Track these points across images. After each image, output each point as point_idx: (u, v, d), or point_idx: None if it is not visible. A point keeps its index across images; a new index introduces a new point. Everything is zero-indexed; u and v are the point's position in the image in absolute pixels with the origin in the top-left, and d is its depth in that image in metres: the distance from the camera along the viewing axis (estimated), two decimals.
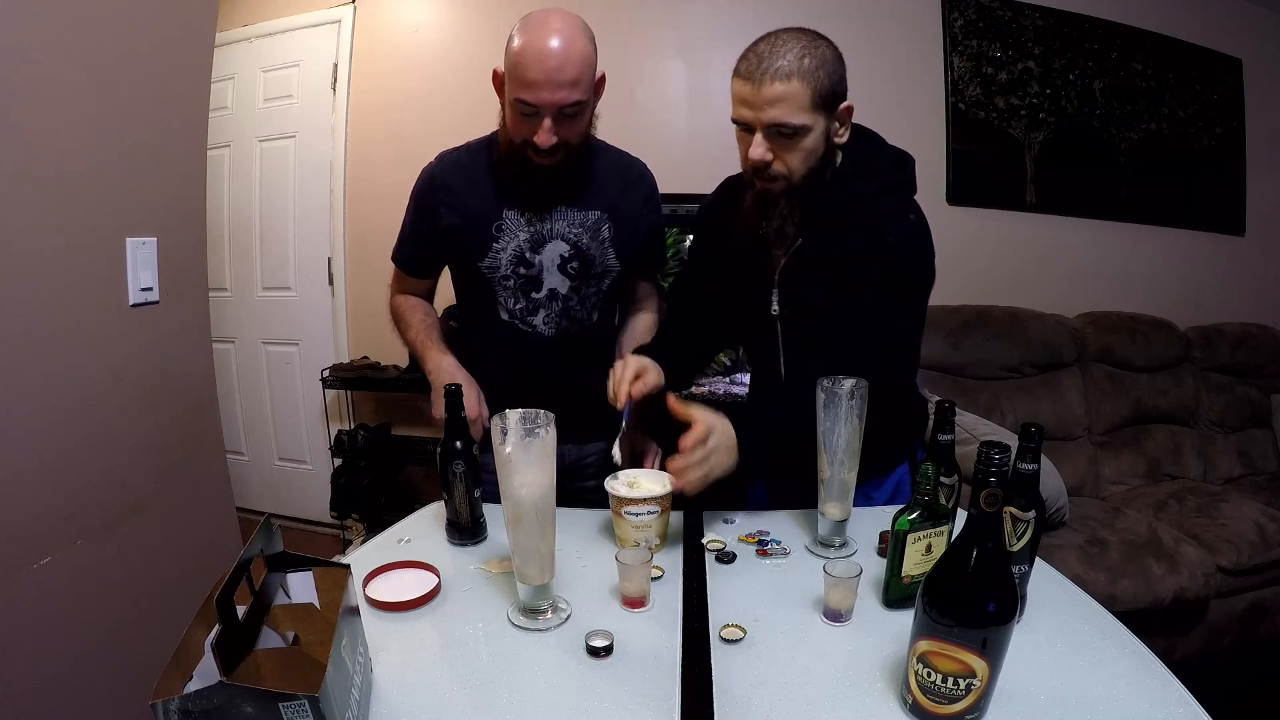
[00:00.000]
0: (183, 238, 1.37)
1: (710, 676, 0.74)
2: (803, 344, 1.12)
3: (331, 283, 2.99)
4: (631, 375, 1.09)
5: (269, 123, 2.96)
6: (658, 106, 2.65)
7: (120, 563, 1.24)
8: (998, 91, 2.68)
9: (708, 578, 0.96)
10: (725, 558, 1.02)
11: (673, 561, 1.00)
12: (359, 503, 2.84)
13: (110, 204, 1.21)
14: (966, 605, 0.64)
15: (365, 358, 2.92)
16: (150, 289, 1.29)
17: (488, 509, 1.09)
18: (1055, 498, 1.97)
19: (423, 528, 1.12)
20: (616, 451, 1.09)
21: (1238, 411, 2.66)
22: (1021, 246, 2.77)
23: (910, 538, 0.85)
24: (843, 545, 1.04)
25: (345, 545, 2.84)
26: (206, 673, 0.58)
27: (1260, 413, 2.68)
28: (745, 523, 1.14)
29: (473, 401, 1.17)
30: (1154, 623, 1.92)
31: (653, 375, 1.11)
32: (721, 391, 2.47)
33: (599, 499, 1.07)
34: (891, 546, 0.87)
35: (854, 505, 1.04)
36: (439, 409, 1.17)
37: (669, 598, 0.91)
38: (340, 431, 2.90)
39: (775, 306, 1.12)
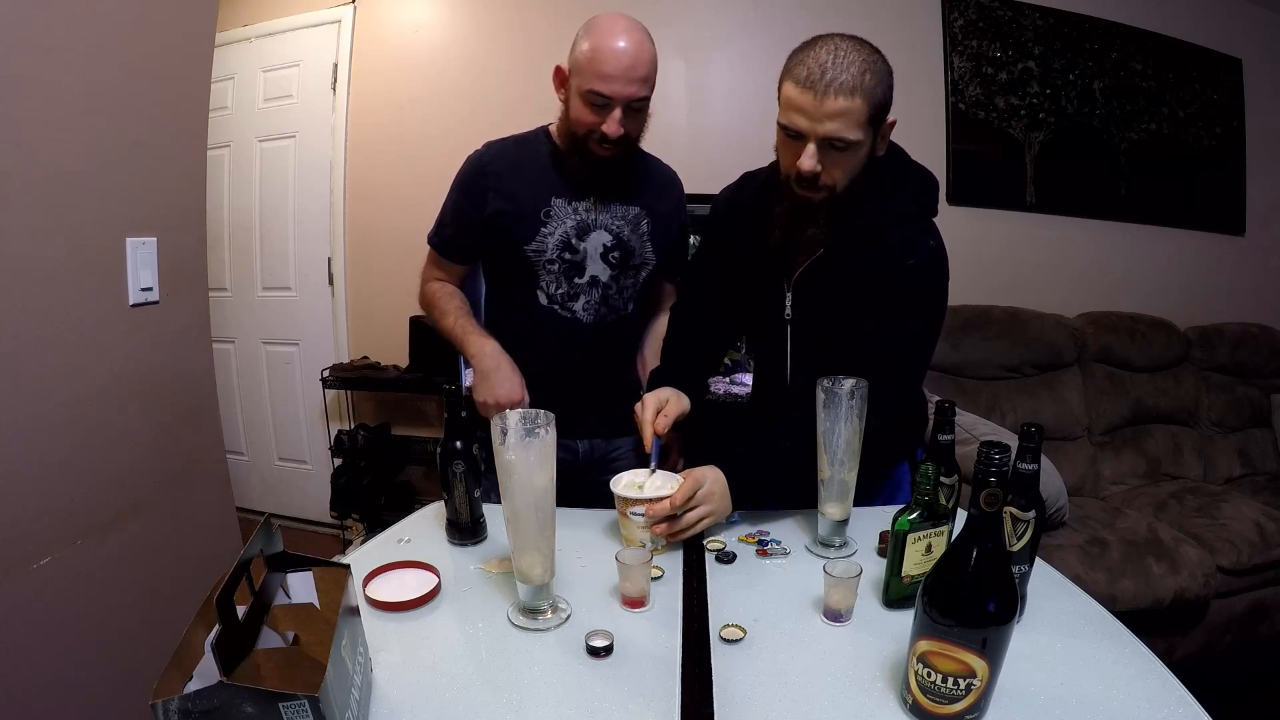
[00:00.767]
0: (183, 238, 1.37)
1: (710, 676, 0.74)
2: (811, 350, 1.13)
3: (331, 283, 2.99)
4: (653, 414, 1.11)
5: (269, 123, 2.96)
6: (658, 106, 2.63)
7: (120, 563, 1.24)
8: (998, 91, 2.68)
9: (708, 578, 0.96)
10: (725, 558, 1.02)
11: (673, 561, 1.00)
12: (359, 503, 2.84)
13: (110, 204, 1.21)
14: (966, 605, 0.64)
15: (365, 358, 2.92)
16: (150, 289, 1.29)
17: (488, 509, 1.09)
18: (1055, 498, 1.97)
19: (423, 528, 1.12)
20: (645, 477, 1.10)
21: (1238, 411, 2.66)
22: (1021, 246, 2.77)
23: (910, 538, 0.85)
24: (843, 545, 1.04)
25: (345, 545, 2.84)
26: (206, 673, 0.58)
27: (1260, 413, 2.68)
28: (745, 523, 1.14)
29: (516, 386, 1.20)
30: (1154, 623, 1.92)
31: (673, 404, 1.14)
32: (721, 391, 2.47)
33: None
34: (891, 546, 0.87)
35: (854, 505, 1.04)
36: (482, 392, 1.19)
37: (669, 598, 0.91)
38: (340, 431, 2.90)
39: (789, 311, 1.12)
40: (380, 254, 2.94)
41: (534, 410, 0.83)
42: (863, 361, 1.01)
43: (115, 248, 1.22)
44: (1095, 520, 2.13)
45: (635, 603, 0.89)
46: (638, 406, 1.14)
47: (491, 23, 2.78)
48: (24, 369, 1.07)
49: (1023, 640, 0.75)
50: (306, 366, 3.03)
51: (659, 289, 1.44)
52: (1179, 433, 2.61)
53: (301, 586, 0.73)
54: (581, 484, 1.20)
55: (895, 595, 0.88)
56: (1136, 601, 1.88)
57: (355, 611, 0.72)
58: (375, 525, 2.78)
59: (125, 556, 1.25)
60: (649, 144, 1.35)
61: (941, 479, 0.90)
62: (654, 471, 1.09)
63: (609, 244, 1.29)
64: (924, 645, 0.66)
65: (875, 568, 0.93)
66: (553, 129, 1.31)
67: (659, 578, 0.96)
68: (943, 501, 0.89)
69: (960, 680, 0.65)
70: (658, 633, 0.84)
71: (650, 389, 1.20)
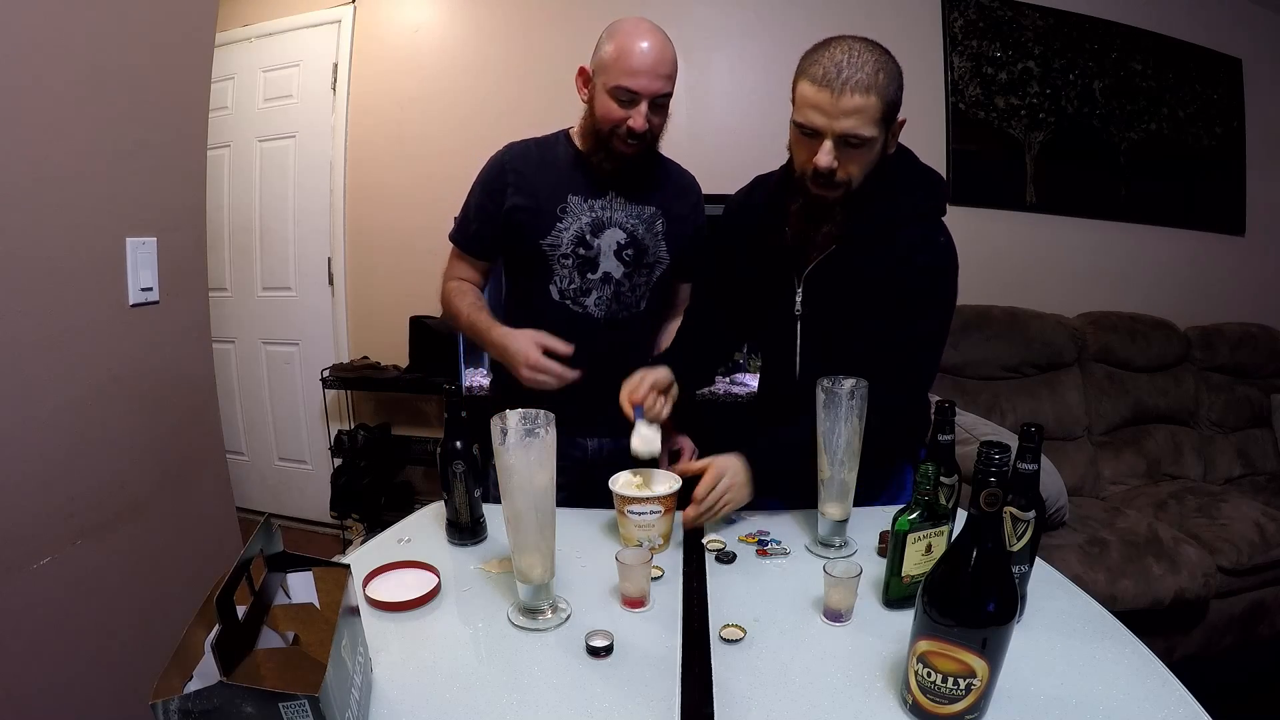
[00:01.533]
0: (183, 238, 1.37)
1: (710, 676, 0.74)
2: (821, 345, 1.15)
3: (331, 283, 2.99)
4: (636, 382, 1.16)
5: (269, 123, 2.96)
6: None
7: (120, 563, 1.24)
8: (998, 91, 2.68)
9: (708, 578, 0.96)
10: (725, 558, 1.02)
11: (673, 561, 1.01)
12: (359, 503, 2.83)
13: (110, 204, 1.21)
14: (966, 605, 0.64)
15: (365, 358, 2.92)
16: (150, 289, 1.29)
17: (488, 509, 1.09)
18: (1055, 498, 1.96)
19: (423, 528, 1.12)
20: (637, 441, 1.13)
21: (1238, 411, 2.66)
22: (1021, 246, 2.77)
23: (910, 538, 0.85)
24: (843, 545, 1.04)
25: (345, 545, 2.84)
26: (206, 673, 0.58)
27: (1260, 413, 2.68)
28: (745, 523, 1.14)
29: (530, 349, 1.20)
30: (1154, 623, 1.92)
31: (662, 377, 1.18)
32: (721, 391, 2.47)
33: None
34: (891, 546, 0.87)
35: (859, 504, 1.04)
36: (527, 362, 1.20)
37: (669, 598, 0.91)
38: (340, 431, 2.90)
39: (799, 306, 1.14)
40: (380, 254, 2.94)
41: (534, 410, 0.83)
42: (876, 359, 1.04)
43: (115, 248, 1.22)
44: (1095, 520, 2.13)
45: (635, 603, 0.89)
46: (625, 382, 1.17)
47: (491, 23, 2.78)
48: (24, 369, 1.07)
49: (1023, 640, 0.75)
50: (306, 366, 3.03)
51: (674, 291, 1.46)
52: (1179, 433, 2.61)
53: (301, 586, 0.73)
54: (590, 483, 1.20)
55: (895, 595, 0.88)
56: (1136, 601, 1.88)
57: (355, 611, 0.72)
58: (375, 525, 2.77)
59: (125, 556, 1.25)
60: None
61: (941, 479, 0.90)
62: (635, 430, 1.13)
63: (623, 241, 1.32)
64: (924, 645, 0.66)
65: (875, 568, 0.93)
66: (572, 132, 1.35)
67: (659, 578, 0.96)
68: (943, 501, 0.89)
69: (960, 680, 0.65)
70: (658, 633, 0.84)
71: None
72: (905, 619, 0.71)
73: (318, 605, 0.72)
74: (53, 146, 1.09)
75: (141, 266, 1.26)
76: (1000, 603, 0.64)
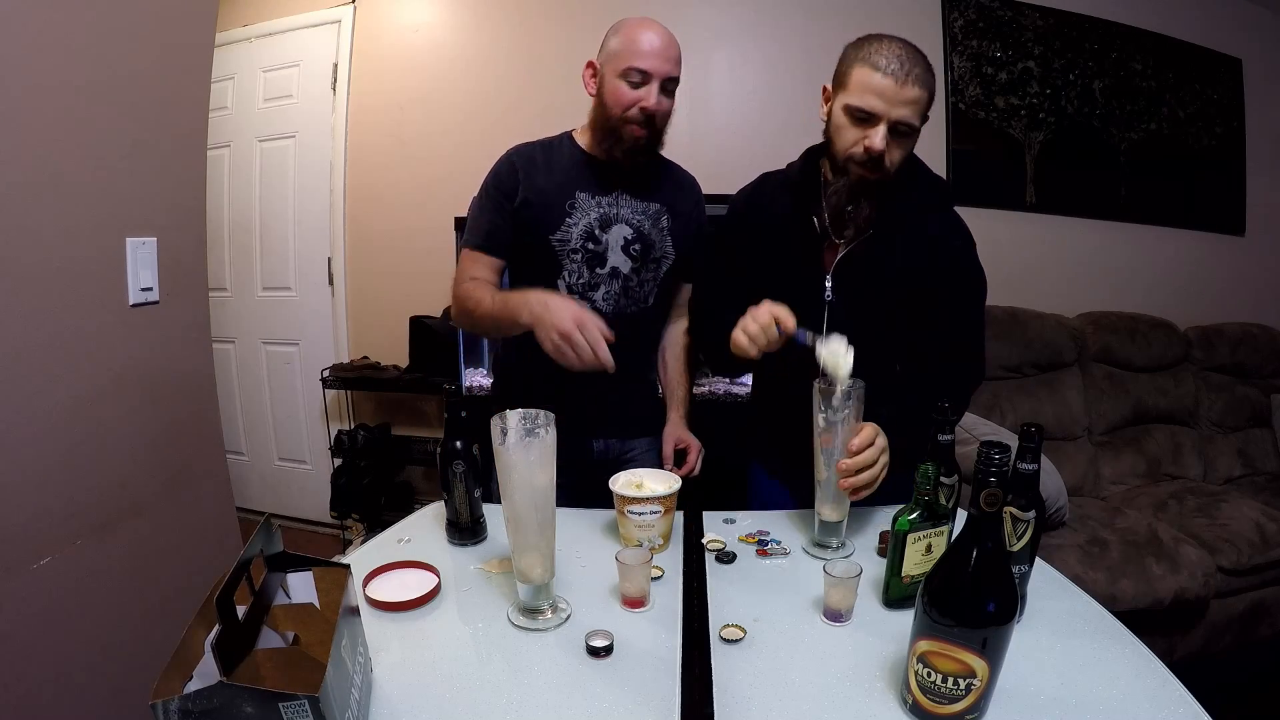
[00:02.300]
0: (183, 238, 1.37)
1: (710, 676, 0.74)
2: (849, 332, 1.14)
3: (331, 283, 2.99)
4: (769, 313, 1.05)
5: (269, 123, 2.96)
6: None
7: (120, 563, 1.24)
8: (998, 91, 2.68)
9: (708, 578, 0.96)
10: (725, 558, 1.02)
11: (673, 561, 1.00)
12: (359, 503, 2.83)
13: (110, 204, 1.21)
14: (966, 605, 0.64)
15: (365, 358, 2.92)
16: (150, 289, 1.29)
17: (488, 509, 1.09)
18: (1055, 498, 1.97)
19: (423, 528, 1.12)
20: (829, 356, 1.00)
21: (1238, 411, 2.66)
22: (1021, 246, 2.77)
23: (910, 538, 0.85)
24: (840, 547, 1.04)
25: (345, 545, 2.84)
26: (206, 673, 0.58)
27: (1260, 413, 2.68)
28: (745, 523, 1.14)
29: (576, 308, 1.09)
30: (1154, 623, 1.92)
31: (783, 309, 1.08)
32: (721, 391, 2.47)
33: None
34: (891, 546, 0.87)
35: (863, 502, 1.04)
36: (559, 321, 1.07)
37: (669, 598, 0.91)
38: (340, 431, 2.90)
39: (829, 294, 1.17)
40: (380, 254, 2.94)
41: (534, 410, 0.83)
42: (937, 341, 1.14)
43: (115, 248, 1.22)
44: (1095, 520, 2.13)
45: (635, 603, 0.89)
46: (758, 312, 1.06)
47: (491, 23, 2.78)
48: (24, 369, 1.07)
49: (1023, 640, 0.75)
50: (306, 366, 3.03)
51: (678, 291, 1.46)
52: (1179, 433, 2.61)
53: (301, 586, 0.73)
54: (595, 485, 1.20)
55: (895, 595, 0.88)
56: (1136, 601, 1.88)
57: (355, 611, 0.72)
58: (375, 525, 2.78)
59: (125, 556, 1.25)
60: None
61: (941, 479, 0.90)
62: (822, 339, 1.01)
63: (630, 237, 1.33)
64: (924, 645, 0.66)
65: (875, 568, 0.93)
66: (576, 133, 1.37)
67: (659, 578, 0.96)
68: (943, 501, 0.89)
69: (960, 680, 0.65)
70: (658, 633, 0.84)
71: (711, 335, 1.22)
72: (905, 619, 0.71)
73: (318, 605, 0.72)
74: (53, 146, 1.09)
75: (141, 266, 1.26)
76: (1000, 603, 0.64)
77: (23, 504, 1.07)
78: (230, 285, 3.08)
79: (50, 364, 1.11)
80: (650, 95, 1.23)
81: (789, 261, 1.21)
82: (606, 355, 1.06)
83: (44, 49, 1.06)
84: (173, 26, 1.29)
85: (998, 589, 0.64)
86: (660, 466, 1.33)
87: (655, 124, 1.27)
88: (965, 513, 0.68)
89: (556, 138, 1.39)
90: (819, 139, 1.16)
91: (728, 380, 2.54)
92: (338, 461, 2.88)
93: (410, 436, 2.98)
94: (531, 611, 0.86)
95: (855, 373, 1.00)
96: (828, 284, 1.17)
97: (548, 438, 0.82)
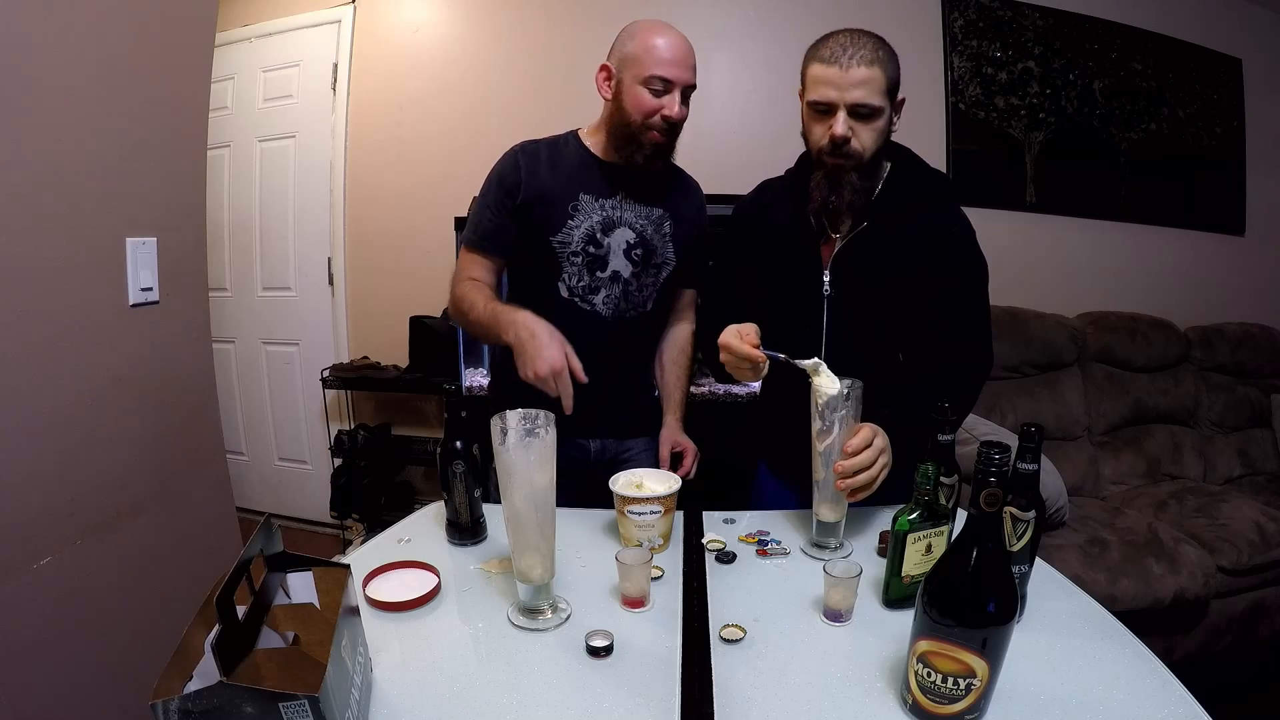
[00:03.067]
0: (183, 238, 1.37)
1: (710, 676, 0.74)
2: (849, 325, 1.19)
3: (331, 283, 2.99)
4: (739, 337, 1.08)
5: (269, 123, 2.96)
6: None
7: (120, 563, 1.24)
8: (998, 91, 2.68)
9: (708, 578, 0.96)
10: (725, 558, 1.02)
11: (673, 561, 1.00)
12: (359, 503, 2.83)
13: (110, 204, 1.20)
14: (966, 605, 0.64)
15: (365, 358, 2.92)
16: (150, 289, 1.29)
17: (488, 509, 1.09)
18: (1055, 498, 1.97)
19: (423, 528, 1.12)
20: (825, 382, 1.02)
21: (1238, 411, 2.66)
22: (1021, 246, 2.77)
23: (910, 538, 0.85)
24: (838, 548, 1.04)
25: (345, 545, 2.84)
26: (206, 673, 0.58)
27: (1260, 413, 2.68)
28: (745, 523, 1.14)
29: (555, 352, 1.13)
30: (1154, 623, 1.92)
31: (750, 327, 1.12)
32: (721, 391, 2.47)
33: None
34: (891, 546, 0.87)
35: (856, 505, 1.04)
36: (522, 367, 1.13)
37: (669, 598, 0.91)
38: (340, 431, 2.90)
39: (827, 288, 1.18)
40: (380, 254, 2.94)
41: (534, 410, 0.83)
42: (943, 332, 1.15)
43: (115, 248, 1.22)
44: (1095, 520, 2.13)
45: (635, 603, 0.89)
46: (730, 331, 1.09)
47: (492, 23, 2.78)
48: (24, 369, 1.07)
49: (1023, 640, 0.75)
50: (306, 366, 3.03)
51: (677, 295, 1.46)
52: (1179, 433, 2.61)
53: (301, 586, 0.73)
54: (592, 485, 1.20)
55: (895, 595, 0.88)
56: (1136, 601, 1.88)
57: (355, 611, 0.72)
58: (375, 525, 2.77)
59: (125, 556, 1.25)
60: None
61: (941, 479, 0.90)
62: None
63: (632, 241, 1.32)
64: (924, 645, 0.66)
65: (875, 568, 0.93)
66: (582, 133, 1.36)
67: (659, 578, 0.96)
68: (943, 501, 0.89)
69: (960, 680, 0.65)
70: (658, 633, 0.84)
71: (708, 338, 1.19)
72: (905, 619, 0.71)
73: (318, 605, 0.72)
74: (53, 146, 1.09)
75: (141, 266, 1.26)
76: (1000, 603, 0.64)
77: (23, 504, 1.07)
78: (230, 285, 3.08)
79: (50, 364, 1.11)
80: (673, 104, 1.23)
81: (789, 261, 1.22)
82: (570, 405, 1.11)
83: (44, 49, 1.06)
84: (173, 26, 1.29)
85: (998, 589, 0.64)
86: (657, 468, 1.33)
87: (675, 131, 1.26)
88: (965, 513, 0.68)
89: (563, 136, 1.37)
90: None
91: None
92: (338, 461, 2.88)
93: (410, 436, 2.98)
94: (531, 611, 0.86)
95: (856, 369, 1.02)
96: (826, 278, 1.18)
97: (548, 438, 0.82)
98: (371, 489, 2.83)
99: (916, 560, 0.86)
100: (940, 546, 0.86)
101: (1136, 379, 2.61)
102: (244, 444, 3.18)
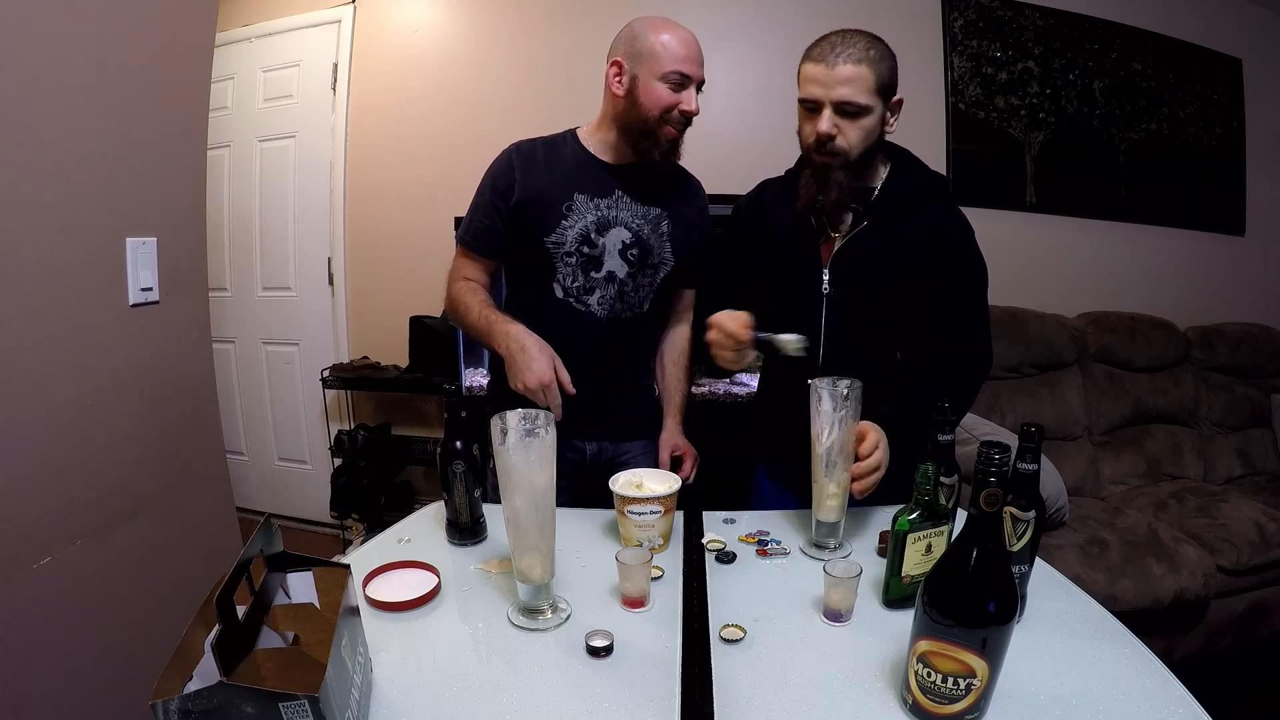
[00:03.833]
0: (183, 238, 1.37)
1: (710, 676, 0.74)
2: (848, 323, 1.20)
3: (331, 283, 2.99)
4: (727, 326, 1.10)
5: (269, 123, 2.96)
6: None
7: (120, 563, 1.24)
8: (998, 91, 2.68)
9: (708, 578, 0.96)
10: (725, 558, 1.02)
11: (673, 561, 1.00)
12: (359, 503, 2.83)
13: (110, 204, 1.20)
14: (966, 605, 0.64)
15: (365, 358, 2.92)
16: (150, 289, 1.29)
17: (488, 509, 1.09)
18: (1055, 498, 1.97)
19: (423, 528, 1.12)
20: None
21: (1238, 411, 2.66)
22: (1021, 246, 2.76)
23: (910, 538, 0.85)
24: (838, 548, 1.04)
25: (345, 545, 2.84)
26: (206, 673, 0.58)
27: (1260, 413, 2.68)
28: (745, 523, 1.14)
29: (544, 366, 1.15)
30: (1154, 623, 1.92)
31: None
32: (721, 391, 2.47)
33: None
34: (891, 546, 0.87)
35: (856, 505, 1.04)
36: (511, 379, 1.17)
37: (669, 598, 0.91)
38: (340, 431, 2.90)
39: (826, 286, 1.19)
40: (380, 254, 2.94)
41: (534, 410, 0.83)
42: (943, 329, 1.16)
43: (115, 248, 1.22)
44: (1095, 520, 2.13)
45: (635, 603, 0.89)
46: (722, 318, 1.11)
47: (492, 23, 2.78)
48: (24, 369, 1.07)
49: (1023, 640, 0.74)
50: (306, 366, 3.03)
51: (678, 297, 1.45)
52: (1179, 433, 2.61)
53: (301, 586, 0.73)
54: (589, 488, 1.19)
55: (895, 595, 0.88)
56: (1136, 601, 1.88)
57: (355, 611, 0.72)
58: (375, 525, 2.77)
59: (125, 556, 1.25)
60: None
61: (941, 479, 0.90)
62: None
63: (628, 241, 1.31)
64: (924, 645, 0.66)
65: (875, 568, 0.93)
66: (580, 132, 1.35)
67: (659, 578, 0.96)
68: (943, 501, 0.89)
69: (960, 680, 0.65)
70: (658, 633, 0.84)
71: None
72: (905, 619, 0.71)
73: (318, 605, 0.72)
74: (53, 146, 1.09)
75: (141, 267, 1.26)
76: (1000, 603, 0.64)
77: (23, 504, 1.07)
78: (230, 285, 3.08)
79: (50, 364, 1.11)
80: (691, 98, 1.24)
81: (789, 260, 1.23)
82: (559, 416, 1.10)
83: (44, 49, 1.06)
84: (173, 26, 1.29)
85: (998, 589, 0.64)
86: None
87: (688, 125, 1.27)
88: (965, 513, 0.68)
89: (560, 135, 1.37)
90: None
91: (728, 381, 2.54)
92: (338, 461, 2.88)
93: (410, 436, 2.98)
94: (531, 611, 0.86)
95: (855, 367, 1.02)
96: (825, 278, 1.18)
97: (547, 438, 0.81)
98: (371, 489, 2.83)
99: (916, 560, 0.86)
100: (940, 546, 0.86)
101: (1136, 379, 2.61)
102: (244, 444, 3.18)
